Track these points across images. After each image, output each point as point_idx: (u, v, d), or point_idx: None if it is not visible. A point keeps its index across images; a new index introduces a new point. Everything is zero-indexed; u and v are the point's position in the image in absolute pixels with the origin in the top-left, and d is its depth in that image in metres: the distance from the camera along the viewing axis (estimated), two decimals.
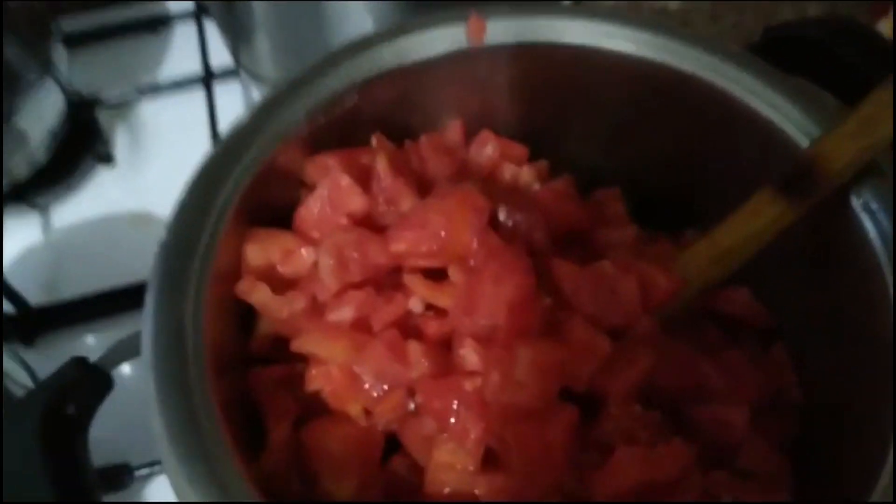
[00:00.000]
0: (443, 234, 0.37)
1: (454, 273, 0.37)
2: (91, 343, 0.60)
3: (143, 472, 0.51)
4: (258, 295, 0.38)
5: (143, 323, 0.34)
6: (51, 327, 0.60)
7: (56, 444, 0.33)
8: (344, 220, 0.39)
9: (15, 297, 0.61)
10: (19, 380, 0.47)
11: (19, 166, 0.63)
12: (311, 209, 0.39)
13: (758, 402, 0.39)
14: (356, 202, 0.39)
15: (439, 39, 0.44)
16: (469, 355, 0.36)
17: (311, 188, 0.42)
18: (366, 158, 0.42)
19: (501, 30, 0.44)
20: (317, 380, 0.38)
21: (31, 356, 0.58)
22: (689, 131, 0.45)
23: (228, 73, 0.73)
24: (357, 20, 0.56)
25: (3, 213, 0.65)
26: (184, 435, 0.31)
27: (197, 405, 0.32)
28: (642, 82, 0.44)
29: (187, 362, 0.33)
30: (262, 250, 0.39)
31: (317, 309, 0.39)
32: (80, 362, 0.35)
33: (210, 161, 0.39)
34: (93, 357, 0.57)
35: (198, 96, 0.73)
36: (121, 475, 0.49)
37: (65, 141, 0.67)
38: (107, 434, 0.52)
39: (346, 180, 0.39)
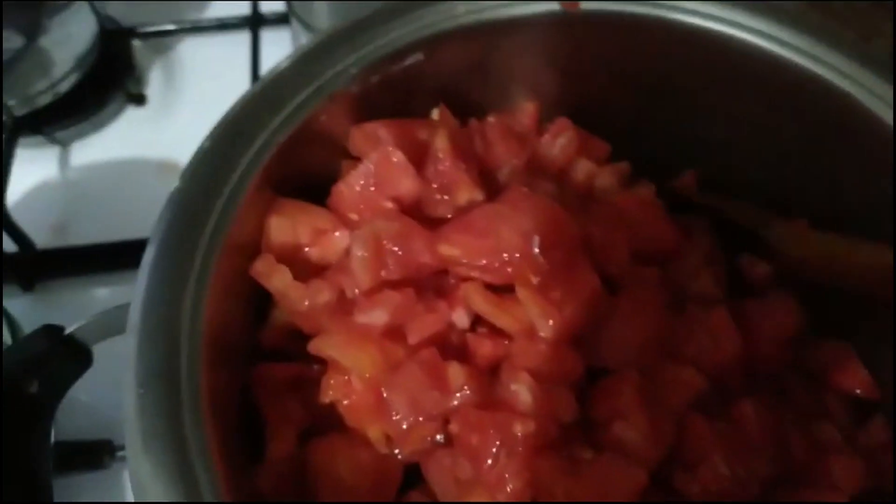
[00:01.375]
0: (517, 255, 0.30)
1: (523, 294, 0.30)
2: (97, 297, 0.54)
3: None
4: (277, 279, 0.32)
5: (135, 292, 0.28)
6: (55, 273, 0.55)
7: (8, 432, 0.27)
8: (389, 204, 0.33)
9: (19, 236, 0.55)
10: None
11: (41, 92, 0.57)
12: (353, 185, 0.33)
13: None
14: (407, 184, 0.33)
15: None
16: (522, 393, 0.29)
17: (354, 160, 0.36)
18: (423, 133, 0.36)
19: None
20: (334, 390, 0.31)
21: (27, 303, 0.53)
22: (801, 140, 0.38)
23: (278, 20, 0.67)
24: None
25: (19, 144, 0.59)
26: (161, 440, 0.26)
27: (183, 404, 0.26)
28: (761, 80, 0.37)
29: (179, 348, 0.27)
30: (288, 225, 0.33)
31: (344, 306, 0.32)
32: (52, 332, 0.29)
33: (241, 107, 0.33)
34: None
35: (242, 39, 0.66)
36: (100, 453, 0.43)
37: (94, 72, 0.61)
38: (89, 402, 0.47)
39: (398, 156, 0.32)
